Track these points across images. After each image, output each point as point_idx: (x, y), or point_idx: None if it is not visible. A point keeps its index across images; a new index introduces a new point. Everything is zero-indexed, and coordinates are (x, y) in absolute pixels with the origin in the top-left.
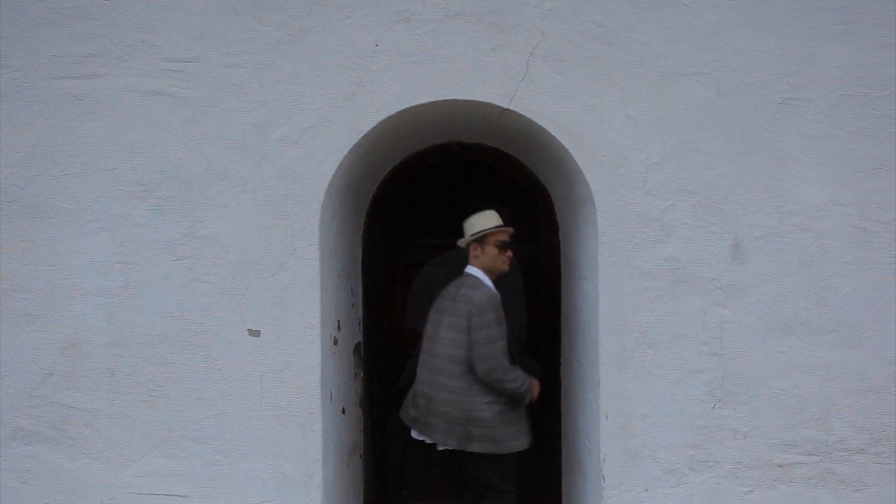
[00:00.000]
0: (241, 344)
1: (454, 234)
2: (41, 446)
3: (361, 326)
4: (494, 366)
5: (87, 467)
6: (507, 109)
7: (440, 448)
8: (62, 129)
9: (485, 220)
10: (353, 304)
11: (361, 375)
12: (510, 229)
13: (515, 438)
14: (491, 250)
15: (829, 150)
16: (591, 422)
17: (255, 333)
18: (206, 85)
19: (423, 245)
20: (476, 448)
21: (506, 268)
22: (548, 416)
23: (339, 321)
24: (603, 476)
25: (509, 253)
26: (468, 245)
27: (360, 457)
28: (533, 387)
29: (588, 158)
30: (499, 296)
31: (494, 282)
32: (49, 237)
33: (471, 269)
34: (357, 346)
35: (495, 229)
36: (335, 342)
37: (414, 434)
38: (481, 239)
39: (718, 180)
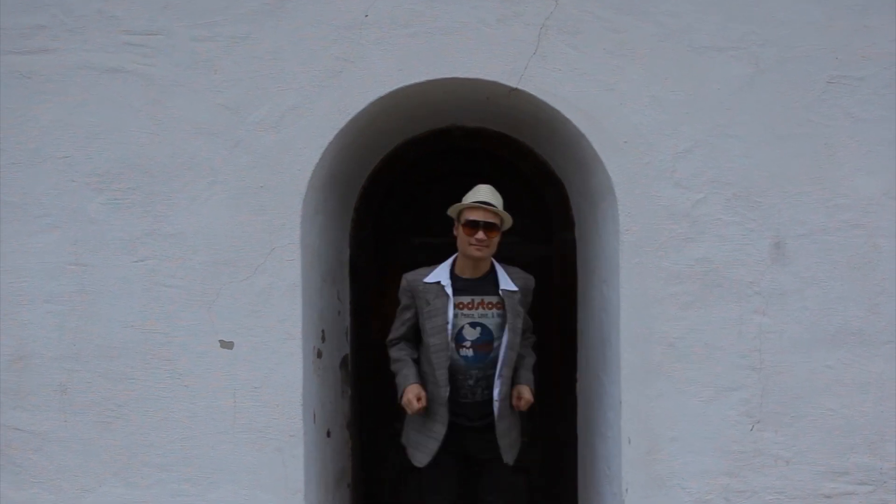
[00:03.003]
0: (212, 357)
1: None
2: None
3: (349, 337)
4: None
5: (35, 497)
6: (516, 89)
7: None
8: (7, 112)
9: (469, 195)
10: (339, 312)
11: (349, 393)
12: (492, 206)
13: (412, 448)
14: (460, 230)
15: (884, 136)
16: (611, 446)
17: (227, 345)
18: (171, 61)
19: (420, 244)
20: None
21: (475, 253)
22: (562, 439)
23: (323, 331)
24: None
25: (479, 234)
26: None
27: (348, 486)
28: (407, 392)
29: (608, 145)
30: (418, 280)
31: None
32: None
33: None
34: (344, 359)
35: (472, 205)
36: (319, 355)
37: None
38: (459, 216)
39: (757, 170)
